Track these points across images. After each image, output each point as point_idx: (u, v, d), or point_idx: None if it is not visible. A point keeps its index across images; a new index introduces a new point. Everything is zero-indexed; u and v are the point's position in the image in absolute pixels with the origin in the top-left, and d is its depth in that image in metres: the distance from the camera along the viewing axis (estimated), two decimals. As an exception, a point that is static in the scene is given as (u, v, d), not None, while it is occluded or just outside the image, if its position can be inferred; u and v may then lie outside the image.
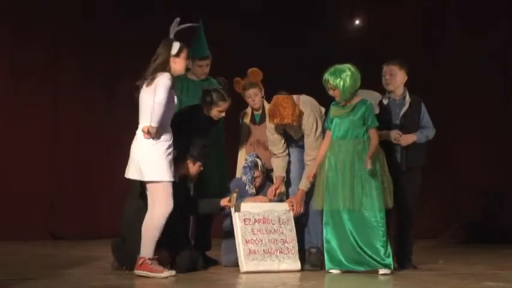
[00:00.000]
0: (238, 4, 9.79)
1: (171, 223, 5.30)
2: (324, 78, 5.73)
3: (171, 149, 5.27)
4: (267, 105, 6.21)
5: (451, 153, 9.59)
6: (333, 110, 5.82)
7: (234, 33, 9.49)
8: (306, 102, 5.97)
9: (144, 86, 5.32)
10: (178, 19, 5.51)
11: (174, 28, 5.48)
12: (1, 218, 8.27)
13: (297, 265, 5.82)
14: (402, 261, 6.12)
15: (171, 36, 5.46)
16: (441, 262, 6.68)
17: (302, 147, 6.05)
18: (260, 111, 6.34)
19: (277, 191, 6.01)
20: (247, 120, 6.39)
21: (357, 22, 10.64)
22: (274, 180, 6.11)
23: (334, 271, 5.70)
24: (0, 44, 8.55)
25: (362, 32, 10.54)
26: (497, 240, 9.02)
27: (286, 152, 6.11)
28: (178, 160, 5.54)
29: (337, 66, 5.72)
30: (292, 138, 6.10)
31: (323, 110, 6.08)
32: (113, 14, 9.28)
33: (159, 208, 5.19)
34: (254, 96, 6.25)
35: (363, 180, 5.65)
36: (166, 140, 5.27)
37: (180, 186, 5.54)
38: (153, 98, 5.15)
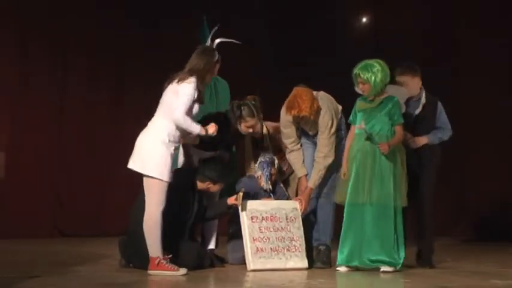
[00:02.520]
0: (242, 3, 9.81)
1: (174, 222, 5.32)
2: (354, 72, 5.72)
3: (177, 151, 5.28)
4: (265, 130, 6.22)
5: (461, 152, 9.57)
6: (359, 104, 5.81)
7: (237, 32, 9.47)
8: (323, 99, 5.94)
9: (174, 82, 5.29)
10: (218, 25, 5.53)
11: (215, 37, 5.48)
12: (9, 216, 8.30)
13: (304, 263, 5.81)
14: (422, 260, 6.11)
15: (212, 43, 5.45)
16: (449, 260, 6.67)
17: (316, 144, 6.03)
18: (260, 136, 6.29)
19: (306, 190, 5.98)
20: (249, 144, 6.34)
21: (363, 20, 10.64)
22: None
23: (341, 269, 5.70)
24: (6, 44, 8.57)
25: (368, 30, 10.53)
26: (506, 238, 9.01)
27: (300, 144, 6.09)
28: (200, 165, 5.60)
29: (367, 61, 5.71)
30: (307, 134, 6.07)
31: (340, 107, 6.06)
32: (117, 15, 9.32)
33: (154, 206, 5.19)
34: (255, 125, 6.14)
35: (383, 176, 5.65)
36: (175, 142, 5.28)
37: (194, 194, 5.55)
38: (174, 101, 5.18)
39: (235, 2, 9.71)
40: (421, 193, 6.04)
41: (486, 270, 6.09)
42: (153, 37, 9.32)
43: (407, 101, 6.14)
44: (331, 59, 10.07)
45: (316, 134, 6.02)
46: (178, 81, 5.25)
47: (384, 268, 5.65)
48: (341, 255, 5.71)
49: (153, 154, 5.19)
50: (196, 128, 5.27)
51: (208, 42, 5.81)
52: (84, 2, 9.15)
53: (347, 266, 5.71)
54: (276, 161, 6.08)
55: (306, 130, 6.05)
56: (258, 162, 6.06)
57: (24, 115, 8.66)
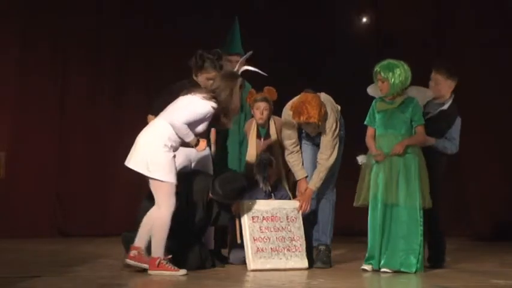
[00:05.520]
0: (244, 3, 9.80)
1: (181, 224, 5.32)
2: (375, 69, 5.72)
3: (175, 155, 5.28)
4: (272, 123, 6.21)
5: (461, 151, 9.53)
6: (379, 104, 5.79)
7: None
8: (326, 101, 5.90)
9: (197, 95, 5.30)
10: (251, 52, 5.51)
11: (241, 65, 5.49)
12: (9, 216, 8.30)
13: (304, 263, 5.81)
14: (436, 261, 6.10)
15: (239, 68, 5.47)
16: (448, 260, 6.66)
17: (317, 145, 6.02)
18: (265, 127, 6.28)
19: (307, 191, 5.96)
20: (252, 134, 6.35)
21: (365, 20, 10.63)
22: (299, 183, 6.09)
23: (367, 267, 5.71)
24: (6, 44, 8.56)
25: (371, 30, 10.53)
26: (506, 238, 9.00)
27: (299, 145, 6.08)
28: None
29: (391, 61, 5.70)
30: (308, 134, 6.06)
31: (339, 107, 6.05)
32: (119, 14, 9.32)
33: (163, 209, 5.20)
34: (263, 110, 6.17)
35: (406, 176, 5.63)
36: (177, 146, 5.28)
37: (204, 198, 5.57)
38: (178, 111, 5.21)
39: (236, 2, 9.70)
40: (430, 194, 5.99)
41: (486, 270, 6.09)
42: (154, 36, 9.31)
43: (431, 100, 6.10)
44: (332, 59, 10.09)
45: (317, 135, 6.01)
46: (202, 97, 5.25)
47: (384, 269, 5.65)
48: (372, 258, 5.70)
49: (157, 157, 5.18)
50: (189, 138, 5.25)
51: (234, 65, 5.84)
52: (85, 1, 9.15)
53: (374, 268, 5.69)
54: (274, 161, 6.07)
55: (307, 131, 6.04)
56: (255, 165, 6.06)
57: (25, 115, 8.66)
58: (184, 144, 5.32)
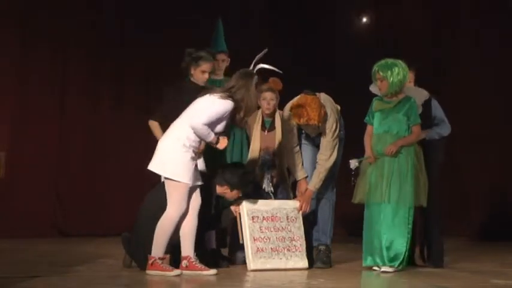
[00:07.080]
0: (243, 3, 9.81)
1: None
2: (373, 69, 5.76)
3: (195, 156, 5.27)
4: (277, 115, 6.19)
5: (461, 151, 9.56)
6: (376, 103, 5.83)
7: (239, 32, 9.50)
8: (326, 102, 5.90)
9: (214, 94, 5.30)
10: (266, 50, 5.52)
11: (257, 62, 5.50)
12: (9, 216, 8.29)
13: (304, 263, 5.81)
14: (435, 261, 6.11)
15: (254, 67, 5.48)
16: (447, 260, 6.66)
17: (317, 146, 6.02)
18: (271, 118, 6.28)
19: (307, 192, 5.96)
20: (257, 126, 6.34)
21: (365, 20, 10.64)
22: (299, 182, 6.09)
23: (375, 267, 5.75)
24: (6, 44, 8.55)
25: (371, 30, 10.54)
26: (506, 238, 9.00)
27: (299, 145, 6.08)
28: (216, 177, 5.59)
29: (388, 60, 5.74)
30: (307, 135, 6.06)
31: (338, 107, 6.05)
32: (118, 15, 9.32)
33: (173, 208, 5.20)
34: (270, 101, 6.16)
35: (401, 176, 5.66)
36: (195, 147, 5.27)
37: (210, 197, 5.57)
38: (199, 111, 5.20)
39: (235, 3, 9.72)
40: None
41: (486, 270, 6.09)
42: (154, 36, 9.32)
43: None
44: (332, 59, 10.11)
45: (317, 135, 6.00)
46: (219, 97, 5.25)
47: (384, 268, 5.66)
48: (366, 256, 5.74)
49: (172, 157, 5.18)
50: (210, 137, 5.24)
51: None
52: (85, 2, 9.14)
53: (372, 266, 5.73)
54: (277, 162, 6.06)
55: (307, 132, 6.04)
56: (258, 166, 6.05)
57: (25, 115, 8.65)
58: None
